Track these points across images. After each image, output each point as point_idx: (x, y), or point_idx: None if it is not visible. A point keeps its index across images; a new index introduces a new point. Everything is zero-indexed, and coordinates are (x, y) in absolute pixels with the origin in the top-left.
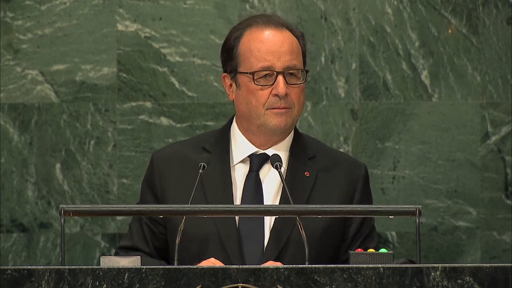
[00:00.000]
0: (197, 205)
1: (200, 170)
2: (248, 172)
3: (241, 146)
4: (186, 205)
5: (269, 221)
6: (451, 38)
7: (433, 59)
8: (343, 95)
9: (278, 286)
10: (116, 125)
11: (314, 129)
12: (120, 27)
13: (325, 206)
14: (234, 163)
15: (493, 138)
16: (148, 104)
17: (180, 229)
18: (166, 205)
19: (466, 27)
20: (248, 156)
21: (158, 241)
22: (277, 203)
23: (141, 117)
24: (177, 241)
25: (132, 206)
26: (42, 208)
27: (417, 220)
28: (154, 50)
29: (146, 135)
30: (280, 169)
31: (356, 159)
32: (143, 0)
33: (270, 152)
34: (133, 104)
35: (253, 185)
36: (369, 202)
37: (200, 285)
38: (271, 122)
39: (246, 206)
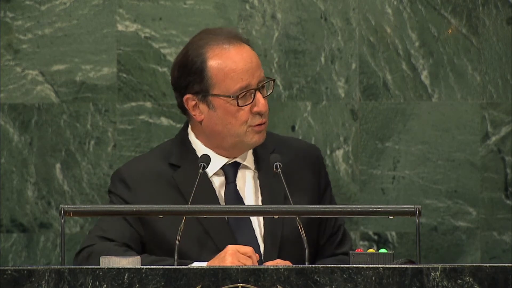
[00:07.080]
0: (197, 205)
1: (201, 170)
2: (226, 184)
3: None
4: (186, 205)
5: (258, 226)
6: (451, 38)
7: (433, 59)
8: (343, 95)
9: (278, 286)
10: (116, 125)
11: (314, 129)
12: (120, 27)
13: (324, 206)
14: (210, 175)
15: (493, 138)
16: (148, 104)
17: (180, 229)
18: (166, 205)
19: (466, 27)
20: (221, 168)
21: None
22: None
23: (141, 117)
24: (177, 241)
25: (132, 206)
26: (42, 208)
27: (417, 220)
28: (154, 50)
29: (146, 135)
30: (280, 169)
31: (310, 143)
32: (143, 0)
33: (240, 159)
34: (133, 104)
35: (234, 196)
36: (329, 182)
37: (200, 285)
38: (252, 139)
39: (245, 206)
